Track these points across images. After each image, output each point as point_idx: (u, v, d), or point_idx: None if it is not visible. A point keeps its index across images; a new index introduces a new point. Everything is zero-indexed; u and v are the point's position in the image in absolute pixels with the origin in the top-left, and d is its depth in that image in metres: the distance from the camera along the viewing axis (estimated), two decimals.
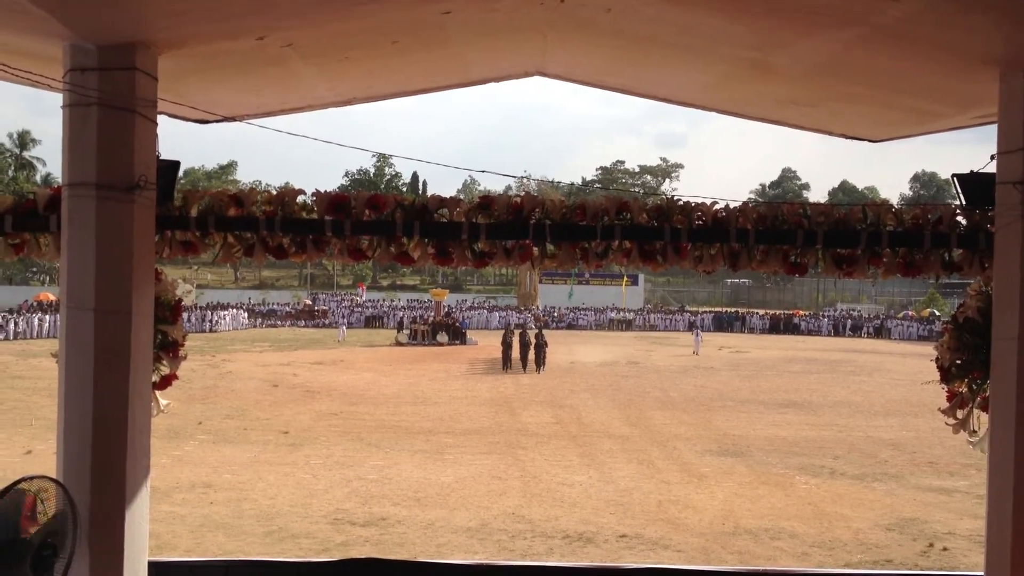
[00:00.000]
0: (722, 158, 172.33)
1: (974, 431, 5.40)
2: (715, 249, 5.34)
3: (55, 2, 3.92)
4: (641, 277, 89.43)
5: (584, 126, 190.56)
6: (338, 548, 11.72)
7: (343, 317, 66.38)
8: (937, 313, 71.89)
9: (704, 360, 44.23)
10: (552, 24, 5.33)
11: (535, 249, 5.30)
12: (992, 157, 4.94)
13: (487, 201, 5.30)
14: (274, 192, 5.31)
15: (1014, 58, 4.63)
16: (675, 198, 5.39)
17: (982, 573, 4.99)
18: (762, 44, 5.20)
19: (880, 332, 72.14)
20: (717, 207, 5.36)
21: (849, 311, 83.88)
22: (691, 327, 74.46)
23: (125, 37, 4.42)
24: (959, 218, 5.35)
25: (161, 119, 4.84)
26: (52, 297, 60.68)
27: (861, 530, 13.45)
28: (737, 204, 5.38)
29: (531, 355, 36.63)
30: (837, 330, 73.52)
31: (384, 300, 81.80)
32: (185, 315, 7.47)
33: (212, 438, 20.07)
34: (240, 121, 6.30)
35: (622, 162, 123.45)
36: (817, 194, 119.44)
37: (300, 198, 5.26)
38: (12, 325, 51.62)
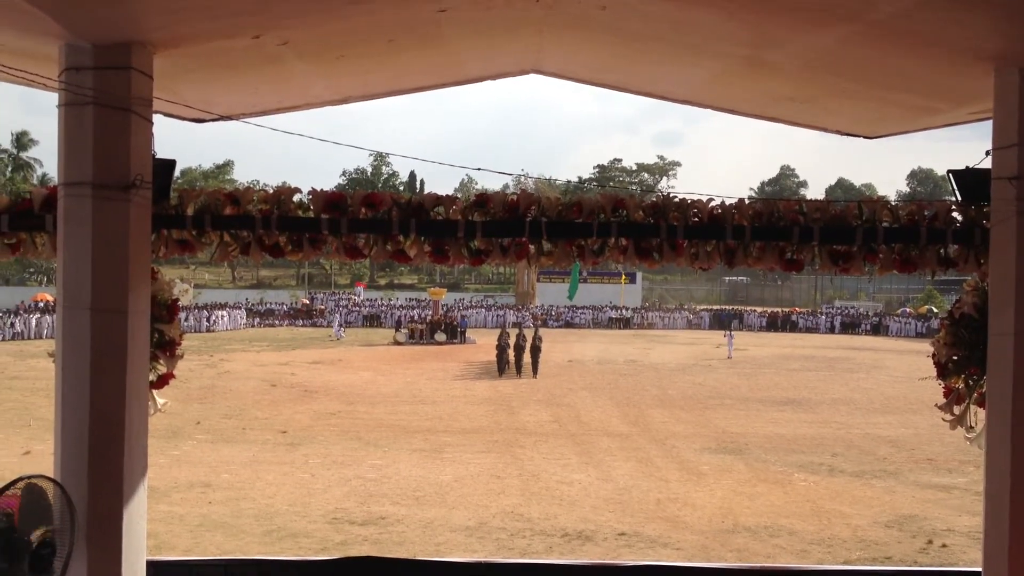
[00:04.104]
0: (720, 156, 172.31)
1: (971, 427, 5.41)
2: (711, 246, 5.34)
3: (51, 1, 3.91)
4: (639, 275, 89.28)
5: (581, 124, 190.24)
6: (337, 547, 11.71)
7: (341, 316, 65.92)
8: (935, 310, 71.80)
9: (702, 358, 44.20)
10: (547, 21, 5.34)
11: (531, 247, 5.30)
12: (987, 153, 4.95)
13: (483, 199, 5.30)
14: (270, 191, 5.30)
15: (1009, 54, 4.63)
16: (671, 195, 5.39)
17: (980, 569, 5.00)
18: (757, 41, 5.21)
19: (878, 329, 72.14)
20: (713, 204, 5.36)
21: (846, 308, 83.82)
22: (687, 324, 74.74)
23: (121, 36, 4.42)
24: (955, 214, 5.36)
25: (157, 118, 4.84)
26: (49, 297, 60.56)
27: (860, 527, 13.45)
28: (733, 201, 5.39)
29: (526, 358, 35.44)
30: (834, 327, 73.38)
31: (382, 299, 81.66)
32: (183, 315, 7.45)
33: (210, 438, 20.06)
34: (236, 120, 6.29)
35: (619, 160, 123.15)
36: (815, 191, 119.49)
37: (296, 197, 5.26)
38: (9, 326, 51.56)
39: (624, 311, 77.36)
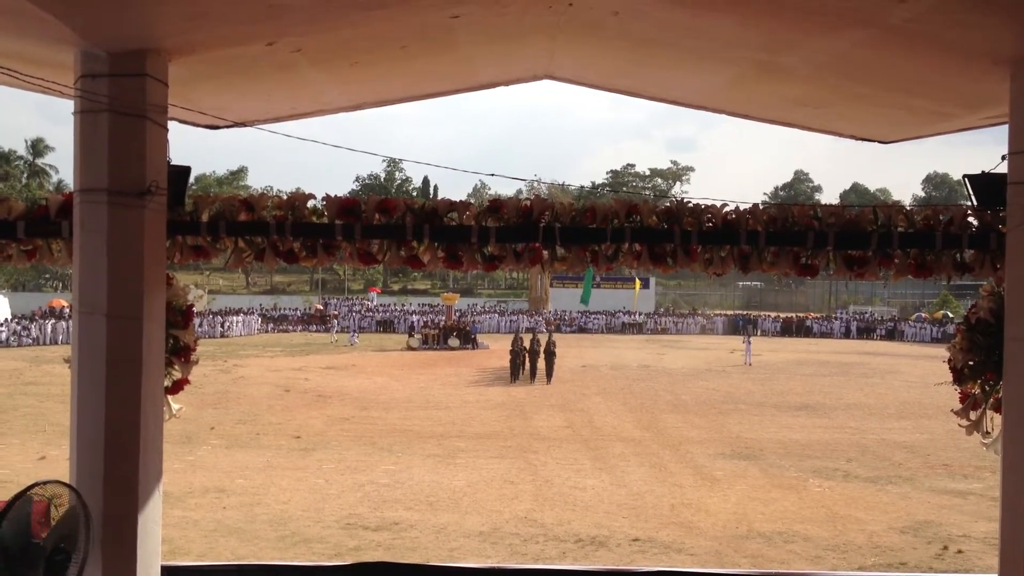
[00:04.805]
0: (733, 161, 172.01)
1: (987, 432, 5.37)
2: (725, 251, 5.33)
3: (67, 9, 3.94)
4: (653, 280, 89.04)
5: (594, 130, 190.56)
6: (350, 552, 11.73)
7: (355, 323, 65.84)
8: (950, 315, 71.44)
9: (716, 363, 44.07)
10: (560, 27, 5.33)
11: (545, 252, 5.30)
12: (1003, 158, 4.92)
13: (497, 204, 5.30)
14: (284, 197, 5.32)
15: None
16: (685, 200, 5.38)
17: (996, 575, 4.96)
18: (771, 46, 5.19)
19: (893, 334, 71.78)
20: (727, 209, 5.35)
21: (860, 313, 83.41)
22: (700, 329, 74.51)
23: (136, 43, 4.44)
24: (970, 219, 5.33)
25: (172, 125, 4.86)
26: (65, 303, 60.93)
27: (875, 533, 13.38)
28: (747, 206, 5.37)
29: (540, 363, 35.21)
30: (849, 332, 72.99)
31: (395, 304, 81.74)
32: (197, 320, 7.49)
33: (225, 443, 20.12)
34: (251, 126, 6.32)
35: (632, 165, 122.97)
36: (829, 196, 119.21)
37: (310, 203, 5.27)
38: (26, 332, 51.84)
39: (638, 316, 77.18)
